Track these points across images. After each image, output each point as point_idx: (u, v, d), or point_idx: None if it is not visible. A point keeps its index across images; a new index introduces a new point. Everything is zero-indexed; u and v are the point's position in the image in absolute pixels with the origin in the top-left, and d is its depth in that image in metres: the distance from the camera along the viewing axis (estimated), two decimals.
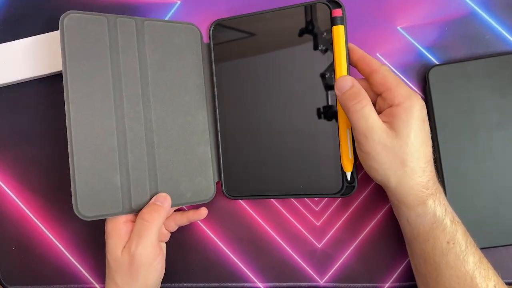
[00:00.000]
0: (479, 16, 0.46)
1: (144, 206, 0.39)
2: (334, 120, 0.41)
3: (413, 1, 0.46)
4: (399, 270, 0.44)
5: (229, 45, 0.44)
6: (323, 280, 0.44)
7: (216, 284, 0.45)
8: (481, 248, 0.38)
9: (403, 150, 0.36)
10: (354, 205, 0.45)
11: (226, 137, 0.44)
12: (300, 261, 0.45)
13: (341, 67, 0.40)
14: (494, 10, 0.46)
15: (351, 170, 0.41)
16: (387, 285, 0.44)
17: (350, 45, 0.41)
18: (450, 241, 0.36)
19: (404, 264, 0.44)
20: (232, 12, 0.46)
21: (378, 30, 0.46)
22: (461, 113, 0.43)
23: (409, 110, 0.36)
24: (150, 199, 0.40)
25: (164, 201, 0.40)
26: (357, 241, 0.45)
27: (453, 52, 0.45)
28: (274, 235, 0.45)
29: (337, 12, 0.41)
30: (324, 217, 0.45)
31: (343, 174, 0.41)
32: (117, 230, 0.39)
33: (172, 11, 0.47)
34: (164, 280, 0.42)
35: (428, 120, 0.38)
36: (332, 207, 0.45)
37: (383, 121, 0.37)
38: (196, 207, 0.45)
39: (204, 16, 0.46)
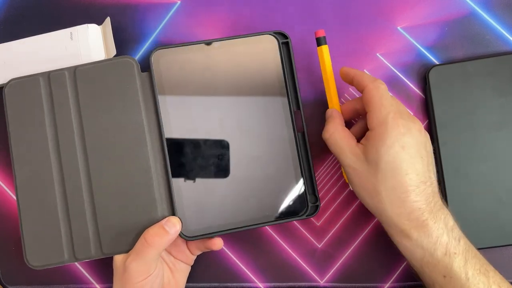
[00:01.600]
0: (479, 16, 0.46)
1: (87, 256, 0.39)
2: (292, 145, 0.41)
3: (413, 1, 0.46)
4: (399, 270, 0.44)
5: (175, 75, 0.41)
6: (323, 280, 0.44)
7: (216, 284, 0.45)
8: (481, 248, 0.38)
9: (373, 177, 0.35)
10: (354, 205, 0.45)
11: (179, 172, 0.41)
12: (300, 261, 0.45)
13: (329, 85, 0.42)
14: (494, 10, 0.46)
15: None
16: (387, 285, 0.44)
17: (344, 67, 0.41)
18: (446, 275, 0.35)
19: (404, 264, 0.44)
20: (232, 12, 0.46)
21: (378, 30, 0.46)
22: (461, 113, 0.43)
23: (380, 137, 0.35)
24: (94, 248, 0.39)
25: (172, 227, 0.38)
26: (357, 241, 0.45)
27: (453, 52, 0.45)
28: (274, 235, 0.45)
29: (320, 33, 0.42)
30: (324, 217, 0.45)
31: (306, 196, 0.41)
32: None
33: (172, 11, 0.47)
34: None
35: (410, 147, 0.35)
36: (332, 207, 0.45)
37: (362, 144, 0.37)
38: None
39: (204, 16, 0.46)
